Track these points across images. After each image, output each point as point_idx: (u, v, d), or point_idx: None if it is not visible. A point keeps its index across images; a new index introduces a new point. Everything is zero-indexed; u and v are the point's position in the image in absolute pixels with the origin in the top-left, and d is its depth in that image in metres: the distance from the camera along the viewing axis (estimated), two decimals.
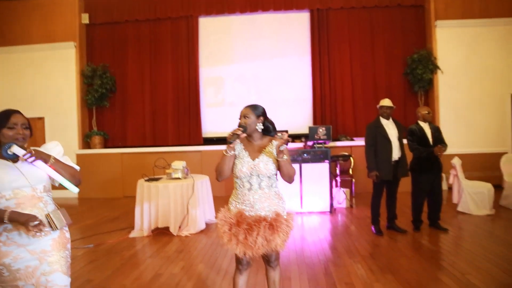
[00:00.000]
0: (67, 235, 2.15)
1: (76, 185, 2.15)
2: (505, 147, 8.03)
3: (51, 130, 8.57)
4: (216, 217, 2.53)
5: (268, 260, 2.55)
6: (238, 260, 2.52)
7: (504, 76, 8.05)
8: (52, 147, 2.19)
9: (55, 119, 8.57)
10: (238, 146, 2.50)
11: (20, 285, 1.95)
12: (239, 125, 2.43)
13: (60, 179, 2.06)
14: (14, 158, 1.98)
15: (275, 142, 2.42)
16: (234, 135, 2.35)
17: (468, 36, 8.09)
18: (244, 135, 2.41)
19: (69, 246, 2.16)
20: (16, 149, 1.95)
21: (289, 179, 2.46)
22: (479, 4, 8.07)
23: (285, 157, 2.37)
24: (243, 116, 2.48)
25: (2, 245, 1.93)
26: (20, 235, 1.95)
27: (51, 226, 2.02)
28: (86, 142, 8.71)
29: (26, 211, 1.96)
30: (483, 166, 7.83)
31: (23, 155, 1.94)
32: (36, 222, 1.91)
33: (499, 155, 7.43)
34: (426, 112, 5.03)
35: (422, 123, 5.01)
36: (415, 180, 4.99)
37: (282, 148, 2.33)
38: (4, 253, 1.92)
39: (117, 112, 8.96)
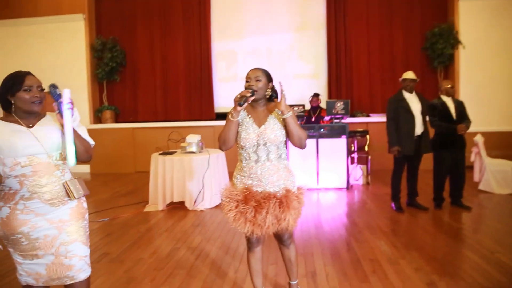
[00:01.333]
0: (85, 205, 2.05)
1: (87, 160, 2.03)
2: None
3: None
4: (221, 192, 2.30)
5: (281, 238, 2.37)
6: (247, 238, 2.34)
7: None
8: None
9: None
10: (242, 112, 2.23)
11: (40, 254, 1.87)
12: (247, 88, 2.16)
13: (70, 142, 1.85)
14: (58, 99, 1.84)
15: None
16: (243, 97, 2.08)
17: (492, 9, 7.69)
18: (253, 97, 2.13)
19: (87, 216, 2.05)
20: (65, 92, 1.84)
21: (300, 141, 2.20)
22: None
23: (290, 113, 2.13)
24: (253, 78, 2.19)
25: (19, 213, 1.82)
26: (38, 204, 1.84)
27: (68, 195, 1.92)
28: (97, 117, 8.61)
29: (43, 179, 1.85)
30: (503, 145, 7.58)
31: (62, 101, 1.82)
32: None
33: None
34: (449, 86, 4.78)
35: (445, 98, 4.78)
36: (437, 156, 4.81)
37: (288, 114, 2.12)
38: (22, 221, 1.82)
39: (128, 86, 8.80)
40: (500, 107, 7.77)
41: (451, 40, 7.68)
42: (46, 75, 8.42)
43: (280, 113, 2.20)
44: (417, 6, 8.15)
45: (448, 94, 4.78)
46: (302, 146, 2.25)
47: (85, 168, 8.30)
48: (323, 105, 7.02)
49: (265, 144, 2.19)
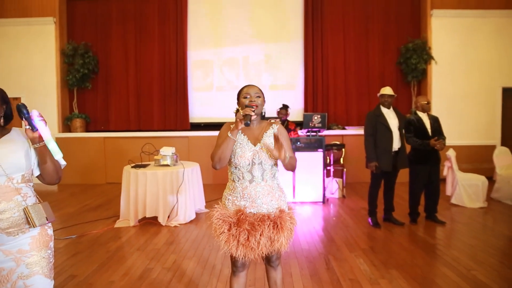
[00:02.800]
0: (50, 232, 1.84)
1: (56, 183, 1.88)
2: (495, 139, 8.04)
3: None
4: (211, 215, 2.17)
5: (269, 259, 2.29)
6: (233, 262, 2.24)
7: (496, 69, 8.02)
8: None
9: (33, 99, 8.05)
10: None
11: None
12: (246, 105, 2.10)
13: (48, 137, 1.75)
14: (26, 115, 1.67)
15: (275, 126, 2.21)
16: (248, 115, 2.02)
17: (463, 26, 7.98)
18: (255, 116, 2.08)
19: (51, 244, 1.84)
20: (33, 111, 1.71)
21: (292, 167, 2.19)
22: None
23: (287, 158, 2.12)
24: (253, 94, 2.15)
25: None
26: None
27: (29, 223, 1.72)
28: (66, 125, 8.25)
29: (1, 205, 1.65)
30: (473, 158, 7.83)
31: (36, 115, 1.69)
32: None
33: (488, 148, 7.44)
34: (425, 102, 4.86)
35: (420, 114, 4.85)
36: (413, 171, 4.85)
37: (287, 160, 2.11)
38: None
39: (100, 94, 8.51)
40: (471, 122, 8.02)
41: (424, 55, 7.88)
42: (13, 78, 8.16)
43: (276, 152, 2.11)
44: (392, 21, 8.34)
45: (423, 110, 4.85)
46: (293, 170, 2.24)
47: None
48: (300, 117, 7.00)
49: (260, 163, 2.13)
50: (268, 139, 2.17)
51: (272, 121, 2.26)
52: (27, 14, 8.03)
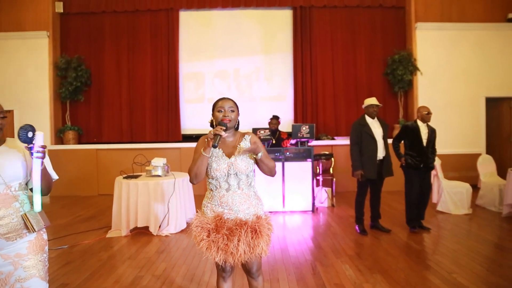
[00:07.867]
0: (45, 236, 1.95)
1: (45, 194, 1.94)
2: (479, 148, 8.24)
3: (20, 123, 8.09)
4: (191, 223, 2.25)
5: (250, 271, 2.33)
6: (221, 267, 2.30)
7: (478, 79, 8.27)
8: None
9: (26, 112, 8.12)
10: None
11: None
12: (219, 123, 2.15)
13: (38, 192, 1.82)
14: (27, 142, 1.74)
15: (247, 137, 2.27)
16: (217, 136, 2.06)
17: (446, 39, 8.25)
18: (226, 134, 2.15)
19: (46, 248, 1.95)
20: (39, 136, 1.75)
21: (271, 172, 2.27)
22: (456, 8, 8.23)
23: (260, 154, 2.17)
24: (228, 109, 2.20)
25: None
26: None
27: (28, 228, 1.83)
28: (59, 137, 8.32)
29: (0, 212, 1.75)
30: (459, 167, 8.00)
31: (34, 147, 1.74)
32: None
33: (473, 156, 7.61)
34: (426, 112, 4.98)
35: (420, 123, 4.98)
36: (408, 177, 4.95)
37: (259, 156, 2.18)
38: None
39: (92, 106, 8.59)
40: (456, 131, 8.23)
41: (409, 66, 8.11)
42: (6, 91, 8.25)
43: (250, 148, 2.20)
44: (379, 32, 8.59)
45: (423, 120, 4.98)
46: (272, 175, 2.31)
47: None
48: (289, 128, 7.15)
49: (235, 174, 2.19)
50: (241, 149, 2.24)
51: (244, 131, 2.34)
52: (21, 28, 8.13)
